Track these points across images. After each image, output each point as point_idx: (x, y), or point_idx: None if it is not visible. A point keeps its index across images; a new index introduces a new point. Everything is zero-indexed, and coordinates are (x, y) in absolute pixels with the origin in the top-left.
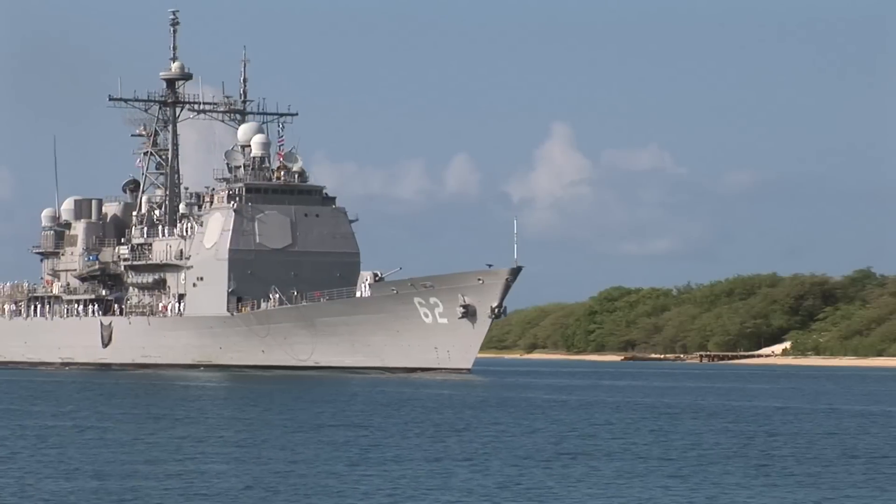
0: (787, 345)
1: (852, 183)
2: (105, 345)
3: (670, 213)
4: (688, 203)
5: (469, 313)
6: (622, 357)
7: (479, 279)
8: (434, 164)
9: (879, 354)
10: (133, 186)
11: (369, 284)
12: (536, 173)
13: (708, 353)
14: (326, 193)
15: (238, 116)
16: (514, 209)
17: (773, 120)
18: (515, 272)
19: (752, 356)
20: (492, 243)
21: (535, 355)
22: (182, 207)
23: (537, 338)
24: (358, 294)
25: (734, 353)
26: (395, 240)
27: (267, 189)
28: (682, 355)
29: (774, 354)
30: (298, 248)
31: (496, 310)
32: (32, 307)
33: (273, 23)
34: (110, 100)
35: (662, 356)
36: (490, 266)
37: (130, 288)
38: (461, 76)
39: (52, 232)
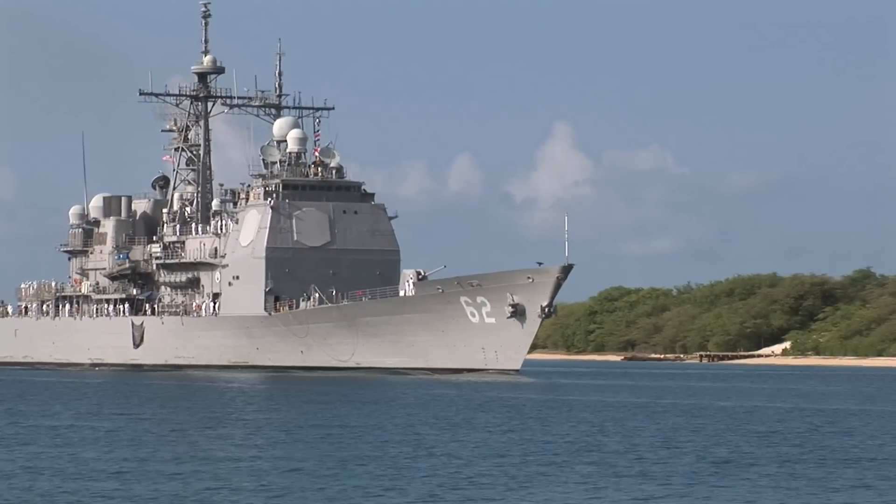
0: (787, 345)
1: (852, 183)
2: (136, 345)
3: (672, 214)
4: (689, 203)
5: (518, 313)
6: (622, 357)
7: (529, 277)
8: (437, 165)
9: (879, 354)
10: (163, 183)
11: (413, 283)
12: (538, 173)
13: (708, 353)
14: (365, 189)
15: (273, 111)
16: (517, 209)
17: (775, 120)
18: (567, 270)
19: (752, 356)
20: (494, 243)
21: (535, 355)
22: (215, 204)
23: (537, 337)
24: (402, 293)
25: (734, 353)
26: (401, 240)
27: (304, 185)
28: (681, 355)
29: (774, 354)
30: (337, 245)
31: (546, 309)
32: (60, 307)
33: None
34: (141, 94)
35: (662, 356)
36: (540, 264)
37: (162, 287)
38: (463, 76)
39: (80, 230)
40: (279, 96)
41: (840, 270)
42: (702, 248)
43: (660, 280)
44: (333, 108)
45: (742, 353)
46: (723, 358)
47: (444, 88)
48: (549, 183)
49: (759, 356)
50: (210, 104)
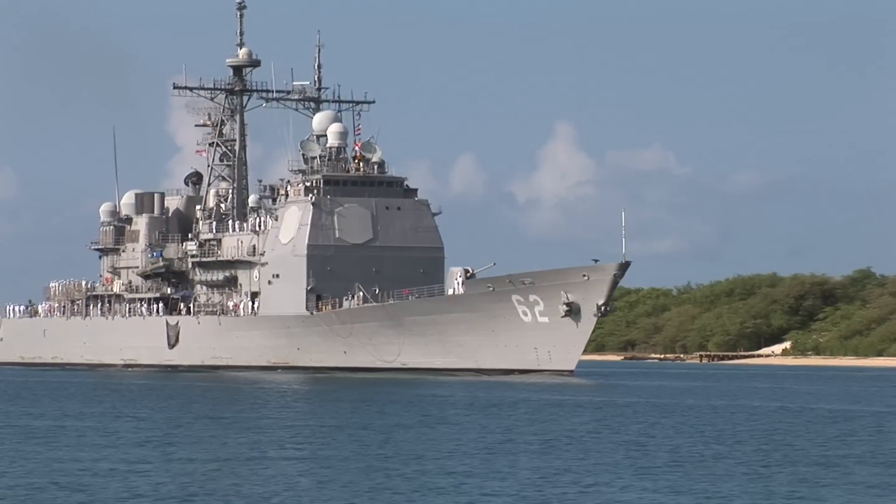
0: (787, 345)
1: (852, 183)
2: (171, 346)
3: (674, 214)
4: (691, 203)
5: (572, 311)
6: (622, 357)
7: (584, 275)
8: (439, 164)
9: (879, 354)
10: (195, 179)
11: (462, 281)
12: (541, 174)
13: (708, 353)
14: (408, 185)
15: (312, 105)
16: (520, 209)
17: (776, 120)
18: (624, 267)
19: (752, 356)
20: (498, 244)
21: None
22: (251, 200)
23: None
24: (450, 291)
25: (734, 353)
26: None
27: (346, 181)
28: (682, 355)
29: (774, 354)
30: (380, 242)
31: (603, 307)
32: (91, 306)
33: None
34: (174, 88)
35: (662, 356)
36: (596, 261)
37: (198, 286)
38: (464, 76)
39: (111, 227)
40: (318, 89)
41: (840, 270)
42: (703, 248)
43: (660, 280)
44: (374, 102)
45: (742, 353)
46: (723, 358)
47: (442, 88)
48: (552, 183)
49: (759, 356)
50: (246, 98)
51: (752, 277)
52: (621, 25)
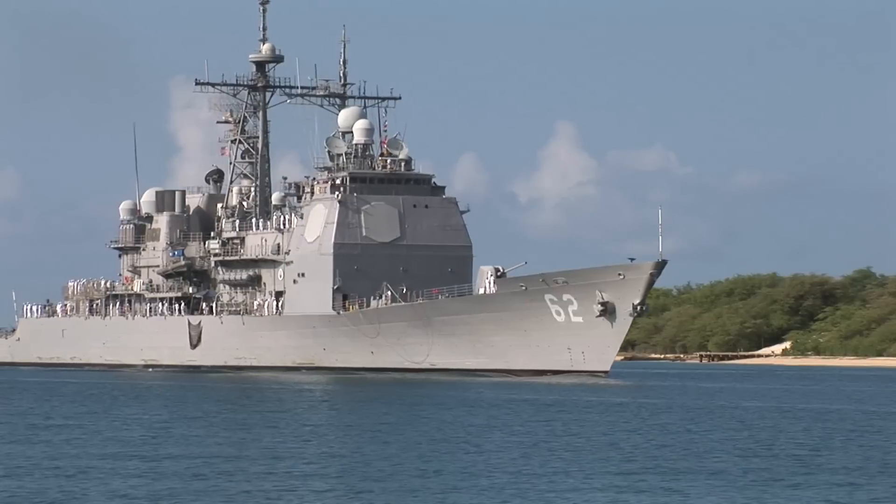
0: (787, 345)
1: (852, 183)
2: (193, 346)
3: (676, 214)
4: (693, 203)
5: (607, 311)
6: (622, 357)
7: (620, 274)
8: (441, 165)
9: (879, 354)
10: (216, 177)
11: (493, 280)
12: (542, 173)
13: (708, 353)
14: (435, 182)
15: (337, 101)
16: (522, 209)
17: (777, 120)
18: (660, 266)
19: (752, 356)
20: (501, 244)
21: None
22: (276, 198)
23: None
24: (479, 290)
25: (734, 353)
26: None
27: (373, 178)
28: (682, 355)
29: (774, 354)
30: (407, 241)
31: (639, 307)
32: (111, 306)
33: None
34: (196, 84)
35: (662, 356)
36: (632, 260)
37: (220, 285)
38: (464, 76)
39: (131, 226)
40: (343, 85)
41: (840, 270)
42: (704, 248)
43: (662, 280)
44: (400, 98)
45: (742, 353)
46: (723, 358)
47: (442, 87)
48: (554, 183)
49: (759, 356)
50: (269, 94)
51: (752, 277)
52: (623, 25)
